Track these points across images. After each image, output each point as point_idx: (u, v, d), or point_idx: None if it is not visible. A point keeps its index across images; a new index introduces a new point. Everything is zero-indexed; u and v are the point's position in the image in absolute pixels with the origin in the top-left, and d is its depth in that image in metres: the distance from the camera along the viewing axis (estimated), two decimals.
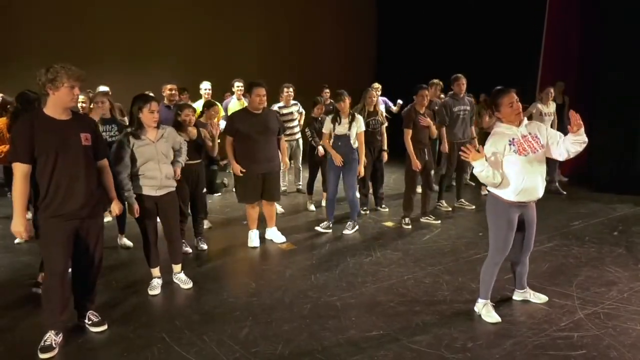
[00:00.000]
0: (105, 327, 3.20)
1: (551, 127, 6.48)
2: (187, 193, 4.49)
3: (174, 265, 4.02)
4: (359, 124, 5.13)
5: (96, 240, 3.12)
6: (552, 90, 6.82)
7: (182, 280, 3.98)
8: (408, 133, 5.35)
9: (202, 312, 3.45)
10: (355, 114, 5.23)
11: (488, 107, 5.68)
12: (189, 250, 4.72)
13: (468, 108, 6.08)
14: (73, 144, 2.89)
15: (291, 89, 6.48)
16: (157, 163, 3.64)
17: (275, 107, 6.37)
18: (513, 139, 3.13)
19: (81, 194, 2.91)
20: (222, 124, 6.19)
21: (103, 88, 6.24)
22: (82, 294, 3.24)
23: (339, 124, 5.08)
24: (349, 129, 5.07)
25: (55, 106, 2.87)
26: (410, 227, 5.46)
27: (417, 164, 5.32)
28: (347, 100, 5.08)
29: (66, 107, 2.89)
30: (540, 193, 3.19)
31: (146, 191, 3.65)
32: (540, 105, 6.76)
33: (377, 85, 7.55)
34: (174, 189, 3.84)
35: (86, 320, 3.21)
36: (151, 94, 4.05)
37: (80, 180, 2.90)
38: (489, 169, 3.08)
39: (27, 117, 2.93)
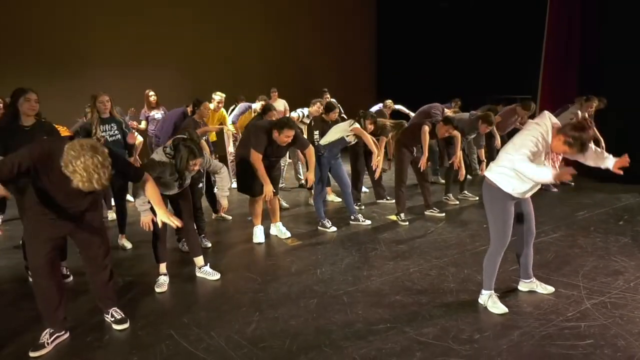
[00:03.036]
0: (126, 325, 3.20)
1: None
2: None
3: (195, 259, 4.05)
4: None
5: (98, 241, 3.09)
6: (595, 103, 6.57)
7: (208, 272, 4.01)
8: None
9: (209, 308, 3.47)
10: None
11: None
12: (209, 244, 4.78)
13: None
14: None
15: (318, 105, 6.47)
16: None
17: (305, 111, 6.60)
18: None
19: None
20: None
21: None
22: (96, 294, 3.26)
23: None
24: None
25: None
26: (407, 223, 5.38)
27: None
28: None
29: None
30: (531, 193, 3.23)
31: (161, 191, 3.67)
32: (580, 112, 6.44)
33: (389, 103, 8.33)
34: (187, 185, 3.92)
35: (109, 317, 3.23)
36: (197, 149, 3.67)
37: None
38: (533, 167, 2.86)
39: None
